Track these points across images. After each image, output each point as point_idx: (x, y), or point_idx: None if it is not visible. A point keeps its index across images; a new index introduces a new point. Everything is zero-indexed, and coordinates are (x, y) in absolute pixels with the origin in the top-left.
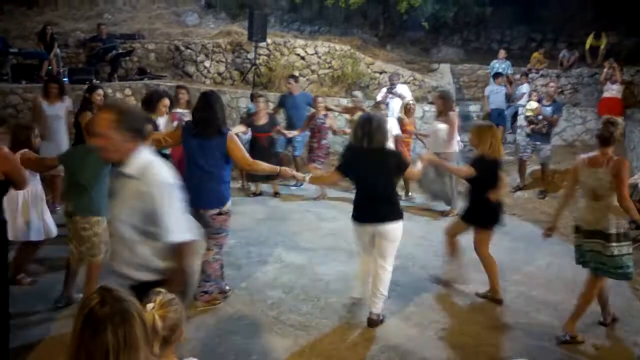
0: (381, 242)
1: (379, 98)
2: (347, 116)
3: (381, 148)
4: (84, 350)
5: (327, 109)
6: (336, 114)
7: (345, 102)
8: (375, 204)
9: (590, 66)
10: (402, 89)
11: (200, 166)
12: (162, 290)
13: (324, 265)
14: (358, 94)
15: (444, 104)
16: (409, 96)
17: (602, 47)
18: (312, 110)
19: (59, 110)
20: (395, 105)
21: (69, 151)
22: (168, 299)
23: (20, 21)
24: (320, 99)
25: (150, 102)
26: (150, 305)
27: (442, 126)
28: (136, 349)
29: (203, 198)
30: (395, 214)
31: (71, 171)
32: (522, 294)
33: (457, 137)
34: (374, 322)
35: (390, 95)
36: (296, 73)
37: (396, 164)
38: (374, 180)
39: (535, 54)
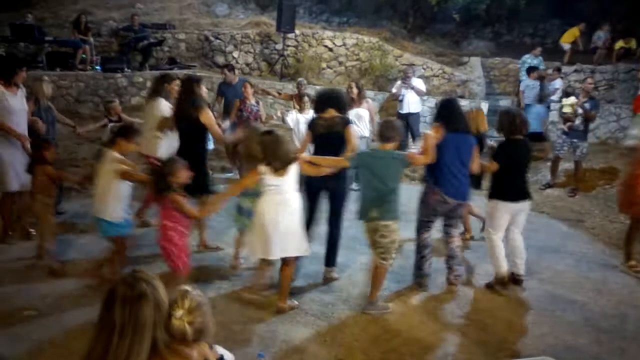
0: (522, 215)
1: (393, 90)
2: (293, 103)
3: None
4: (100, 322)
5: (266, 92)
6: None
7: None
8: (522, 185)
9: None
10: (417, 82)
11: (463, 163)
12: (189, 289)
13: (346, 257)
14: (303, 80)
15: (358, 93)
16: (424, 90)
17: (634, 48)
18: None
19: (22, 101)
20: (410, 98)
21: (364, 155)
22: (197, 303)
23: (55, 10)
24: (248, 84)
25: (344, 102)
26: (179, 313)
27: (364, 112)
28: (142, 327)
29: (463, 191)
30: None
31: (374, 176)
32: (548, 292)
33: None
34: (522, 281)
35: (405, 87)
36: (324, 65)
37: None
38: (525, 166)
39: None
